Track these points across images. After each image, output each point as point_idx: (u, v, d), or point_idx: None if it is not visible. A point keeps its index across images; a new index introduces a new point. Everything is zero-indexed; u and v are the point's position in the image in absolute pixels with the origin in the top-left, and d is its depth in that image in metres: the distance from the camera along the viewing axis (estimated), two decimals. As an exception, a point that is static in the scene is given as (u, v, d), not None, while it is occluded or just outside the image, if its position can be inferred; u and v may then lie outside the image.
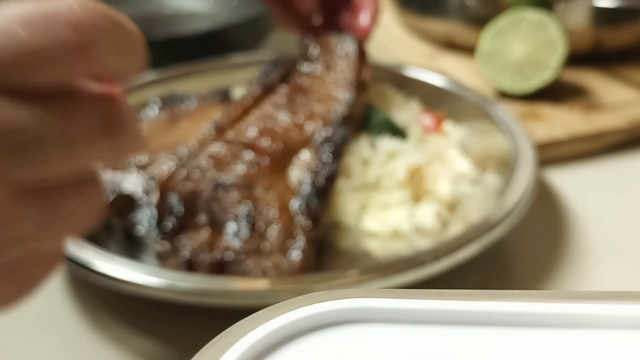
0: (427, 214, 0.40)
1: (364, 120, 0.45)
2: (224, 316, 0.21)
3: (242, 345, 0.12)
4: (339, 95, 0.43)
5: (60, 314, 0.35)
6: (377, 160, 0.42)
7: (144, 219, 0.38)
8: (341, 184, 0.40)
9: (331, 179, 0.38)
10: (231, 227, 0.36)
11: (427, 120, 0.48)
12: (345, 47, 0.46)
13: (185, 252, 0.35)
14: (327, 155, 0.39)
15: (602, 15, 0.59)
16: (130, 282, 0.31)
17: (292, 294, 0.30)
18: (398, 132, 0.45)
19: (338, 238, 0.39)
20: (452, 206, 0.41)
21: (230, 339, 0.12)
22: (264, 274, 0.34)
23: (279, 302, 0.13)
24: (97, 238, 0.36)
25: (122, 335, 0.34)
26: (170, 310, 0.34)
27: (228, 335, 0.12)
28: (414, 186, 0.42)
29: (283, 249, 0.35)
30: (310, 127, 0.41)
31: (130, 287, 0.32)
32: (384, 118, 0.45)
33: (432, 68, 0.59)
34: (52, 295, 0.37)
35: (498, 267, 0.39)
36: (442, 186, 0.42)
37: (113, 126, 0.20)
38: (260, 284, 0.32)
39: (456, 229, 0.39)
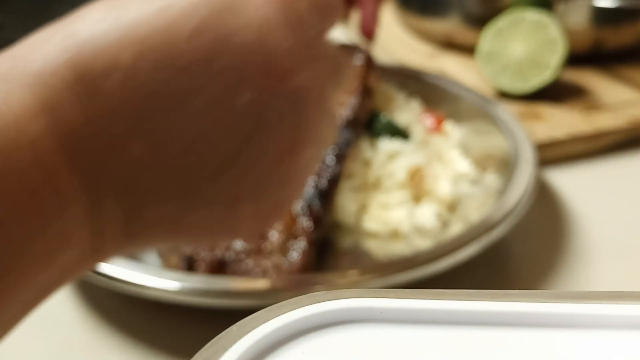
0: (427, 214, 0.40)
1: (366, 123, 0.45)
2: (224, 316, 0.21)
3: (242, 345, 0.12)
4: (345, 100, 0.43)
5: (60, 314, 0.35)
6: (378, 160, 0.42)
7: None
8: (341, 184, 0.40)
9: (334, 181, 0.38)
10: None
11: (428, 120, 0.48)
12: (354, 55, 0.46)
13: (186, 250, 0.35)
14: (330, 158, 0.39)
15: (602, 15, 0.59)
16: (130, 282, 0.32)
17: (292, 294, 0.30)
18: (400, 134, 0.45)
19: (338, 238, 0.39)
20: (452, 206, 0.41)
21: (230, 339, 0.12)
22: (264, 273, 0.34)
23: (279, 302, 0.13)
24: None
25: (122, 336, 0.34)
26: (170, 310, 0.34)
27: (228, 335, 0.12)
28: (414, 186, 0.42)
29: (284, 250, 0.35)
30: None
31: (130, 287, 0.32)
32: (386, 121, 0.45)
33: (432, 68, 0.59)
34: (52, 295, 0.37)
35: (498, 267, 0.39)
36: (442, 186, 0.42)
37: None
38: (260, 284, 0.32)
39: (456, 229, 0.39)
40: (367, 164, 0.42)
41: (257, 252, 0.35)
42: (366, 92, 0.45)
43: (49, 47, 0.19)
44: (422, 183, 0.42)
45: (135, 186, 0.20)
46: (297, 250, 0.35)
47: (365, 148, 0.43)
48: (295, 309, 0.13)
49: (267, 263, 0.34)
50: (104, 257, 0.21)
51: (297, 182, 0.24)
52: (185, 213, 0.22)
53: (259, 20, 0.21)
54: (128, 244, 0.22)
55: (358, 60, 0.45)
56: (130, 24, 0.19)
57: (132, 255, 0.37)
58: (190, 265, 0.35)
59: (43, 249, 0.18)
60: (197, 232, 0.23)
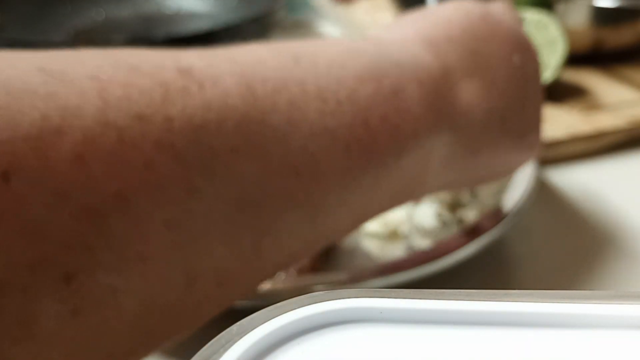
0: (427, 214, 0.40)
1: None
2: (224, 316, 0.21)
3: (242, 345, 0.12)
4: None
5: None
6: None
7: None
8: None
9: None
10: None
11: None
12: None
13: None
14: None
15: (602, 15, 0.59)
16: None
17: (292, 294, 0.30)
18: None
19: (338, 238, 0.39)
20: (452, 206, 0.41)
21: (230, 339, 0.12)
22: None
23: (279, 302, 0.13)
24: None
25: (122, 335, 0.34)
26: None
27: (228, 335, 0.12)
28: (414, 186, 0.42)
29: None
30: None
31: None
32: None
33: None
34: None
35: (498, 267, 0.39)
36: (442, 186, 0.42)
37: None
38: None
39: (456, 229, 0.39)
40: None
41: None
42: None
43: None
44: (422, 183, 0.42)
45: (466, 124, 0.26)
46: None
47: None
48: (295, 309, 0.13)
49: None
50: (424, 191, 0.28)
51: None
52: (492, 142, 0.28)
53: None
54: (438, 180, 0.27)
55: None
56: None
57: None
58: None
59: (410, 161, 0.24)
60: (487, 169, 0.30)
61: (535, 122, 0.31)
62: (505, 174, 0.34)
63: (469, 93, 0.26)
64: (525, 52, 0.30)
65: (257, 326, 0.12)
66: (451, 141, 0.26)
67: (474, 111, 0.27)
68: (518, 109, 0.29)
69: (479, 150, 0.28)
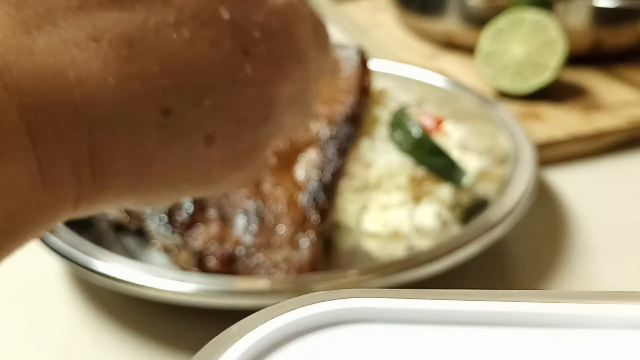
0: (427, 215, 0.40)
1: (423, 158, 0.43)
2: (224, 316, 0.21)
3: (242, 345, 0.12)
4: (343, 98, 0.43)
5: (60, 314, 0.35)
6: (378, 162, 0.42)
7: (155, 214, 0.38)
8: (342, 185, 0.40)
9: (337, 175, 0.39)
10: (241, 221, 0.36)
11: (427, 120, 0.48)
12: (348, 56, 0.46)
13: (197, 244, 0.35)
14: (332, 152, 0.39)
15: (602, 15, 0.59)
16: (131, 282, 0.32)
17: (292, 294, 0.30)
18: (460, 175, 0.42)
19: (338, 238, 0.39)
20: (452, 206, 0.41)
21: (230, 339, 0.12)
22: (274, 267, 0.34)
23: (279, 302, 0.13)
24: (105, 234, 0.36)
25: (122, 335, 0.34)
26: (170, 310, 0.34)
27: (228, 335, 0.12)
28: (415, 187, 0.42)
29: (293, 243, 0.35)
30: (315, 127, 0.41)
31: (130, 287, 0.32)
32: (449, 161, 0.43)
33: (432, 68, 0.59)
34: (52, 294, 0.37)
35: (498, 267, 0.39)
36: (442, 187, 0.42)
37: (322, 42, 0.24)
38: (260, 284, 0.32)
39: (456, 229, 0.39)
40: (367, 165, 0.42)
41: (267, 246, 0.35)
42: (363, 92, 0.45)
43: None
44: (422, 184, 0.42)
45: (102, 116, 0.18)
46: (305, 243, 0.35)
47: (365, 149, 0.43)
48: (295, 309, 0.13)
49: (277, 257, 0.35)
50: (59, 214, 0.18)
51: (275, 124, 0.22)
52: (158, 148, 0.19)
53: None
54: (91, 200, 0.19)
55: (353, 60, 0.46)
56: None
57: (134, 254, 0.37)
58: (200, 261, 0.35)
59: None
60: (169, 177, 0.20)
61: (246, 129, 0.21)
62: (179, 198, 0.24)
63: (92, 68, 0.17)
64: (247, 6, 0.20)
65: (257, 326, 0.12)
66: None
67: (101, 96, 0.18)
68: (197, 102, 0.19)
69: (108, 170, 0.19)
